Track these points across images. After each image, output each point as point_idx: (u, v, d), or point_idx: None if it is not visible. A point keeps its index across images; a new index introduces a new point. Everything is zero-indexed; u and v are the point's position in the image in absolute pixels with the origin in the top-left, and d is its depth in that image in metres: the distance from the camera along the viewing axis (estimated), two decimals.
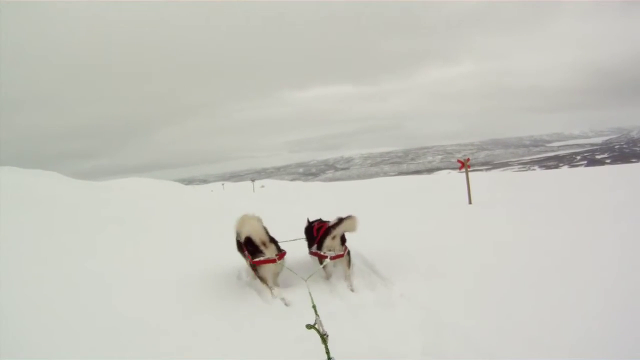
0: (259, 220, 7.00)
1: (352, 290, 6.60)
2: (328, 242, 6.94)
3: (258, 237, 6.75)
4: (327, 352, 4.08)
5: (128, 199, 15.15)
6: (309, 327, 4.38)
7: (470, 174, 16.17)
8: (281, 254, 6.88)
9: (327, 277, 7.15)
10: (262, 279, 6.70)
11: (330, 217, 7.49)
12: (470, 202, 15.73)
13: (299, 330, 4.67)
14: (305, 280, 6.34)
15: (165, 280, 7.18)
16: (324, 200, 26.50)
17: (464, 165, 16.46)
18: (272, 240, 7.07)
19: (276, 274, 6.88)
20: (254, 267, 6.74)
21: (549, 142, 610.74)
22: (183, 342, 5.06)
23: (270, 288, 6.60)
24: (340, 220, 6.98)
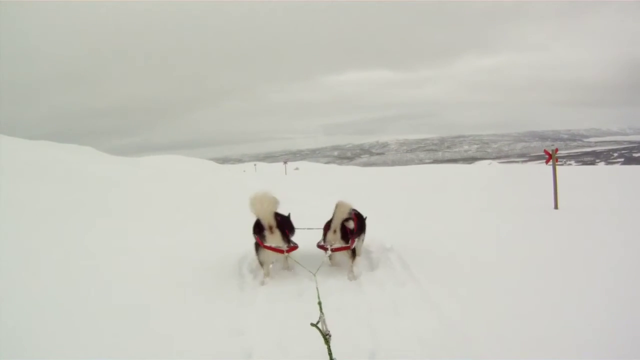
0: (272, 202, 6.71)
1: (350, 279, 6.59)
2: (329, 236, 6.89)
3: (266, 221, 6.61)
4: (330, 354, 3.90)
5: (136, 182, 14.26)
6: (312, 325, 4.19)
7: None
8: (292, 247, 6.81)
9: (333, 264, 7.21)
10: (260, 263, 6.70)
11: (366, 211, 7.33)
12: (556, 207, 12.66)
13: (303, 328, 4.45)
14: (314, 275, 6.15)
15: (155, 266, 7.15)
16: (365, 191, 19.97)
17: (551, 157, 13.37)
18: (287, 228, 7.14)
19: (281, 262, 7.03)
20: (256, 248, 6.70)
21: (586, 137, 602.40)
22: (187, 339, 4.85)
23: (265, 275, 6.60)
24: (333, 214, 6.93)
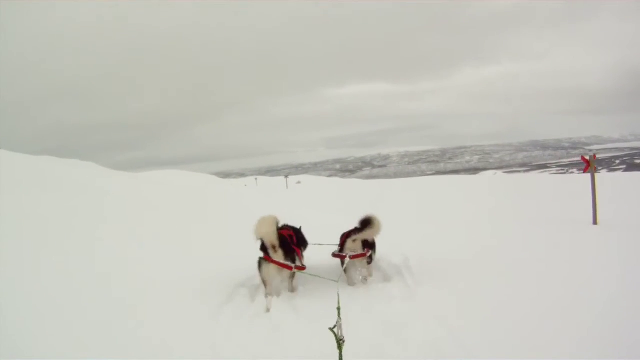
0: (273, 222, 6.65)
1: (363, 282, 6.95)
2: (349, 244, 6.90)
3: (268, 241, 6.51)
4: (341, 358, 3.95)
5: (132, 196, 13.65)
6: (329, 329, 4.18)
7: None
8: (300, 267, 6.73)
9: (350, 282, 7.03)
10: (263, 281, 6.58)
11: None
12: (595, 222, 10.86)
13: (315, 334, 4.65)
14: (337, 282, 6.04)
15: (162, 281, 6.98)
16: (375, 206, 17.87)
17: (589, 164, 11.45)
18: (299, 241, 7.25)
19: (281, 280, 6.76)
20: (259, 264, 6.56)
21: (588, 144, 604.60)
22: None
23: (266, 295, 6.48)
24: (363, 227, 6.90)
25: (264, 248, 6.62)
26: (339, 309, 4.77)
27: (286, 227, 7.29)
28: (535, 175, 59.31)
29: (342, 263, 6.85)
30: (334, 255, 7.09)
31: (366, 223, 6.89)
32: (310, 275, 6.67)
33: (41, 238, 7.45)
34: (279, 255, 6.49)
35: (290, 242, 6.92)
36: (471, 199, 21.22)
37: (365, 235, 6.86)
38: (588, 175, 11.20)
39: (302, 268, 6.74)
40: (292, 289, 6.84)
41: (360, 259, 6.84)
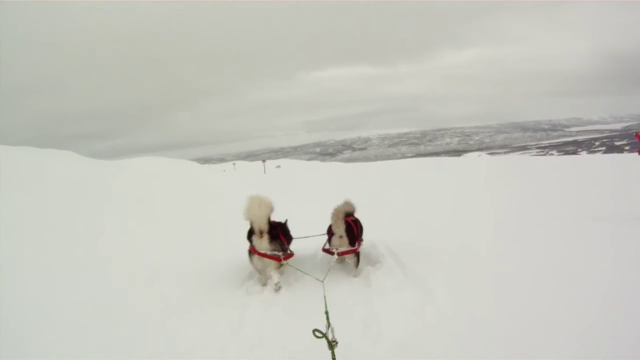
0: (267, 206, 6.25)
1: (355, 275, 6.55)
2: (335, 241, 6.69)
3: (257, 224, 6.19)
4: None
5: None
6: (318, 335, 3.93)
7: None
8: (288, 255, 6.51)
9: (340, 262, 6.90)
10: (257, 270, 6.37)
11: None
12: None
13: (305, 337, 4.24)
14: (322, 281, 5.76)
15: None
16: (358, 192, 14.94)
17: None
18: (284, 235, 6.77)
19: (273, 269, 6.29)
20: (250, 254, 6.32)
21: (568, 126, 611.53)
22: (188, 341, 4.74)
23: (260, 280, 6.31)
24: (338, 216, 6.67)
25: (250, 234, 6.36)
26: (327, 312, 4.49)
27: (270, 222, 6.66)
28: (517, 156, 59.16)
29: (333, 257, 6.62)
30: (324, 250, 6.95)
31: (337, 214, 6.67)
32: (298, 270, 6.37)
33: (17, 235, 7.25)
34: (264, 241, 6.19)
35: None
36: (465, 184, 18.89)
37: (338, 218, 6.61)
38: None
39: (290, 255, 6.55)
40: (277, 286, 6.17)
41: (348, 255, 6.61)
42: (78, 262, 6.62)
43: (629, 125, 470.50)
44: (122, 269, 6.66)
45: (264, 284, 6.21)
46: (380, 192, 18.09)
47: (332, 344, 3.88)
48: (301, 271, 6.32)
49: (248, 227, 6.46)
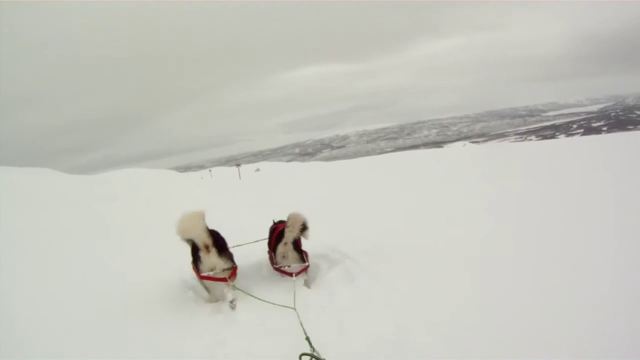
0: (200, 218, 5.64)
1: (308, 285, 6.05)
2: (281, 248, 6.29)
3: (199, 239, 5.59)
4: None
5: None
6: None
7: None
8: (232, 270, 5.83)
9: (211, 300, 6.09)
10: (206, 288, 5.84)
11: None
12: None
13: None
14: (294, 309, 5.10)
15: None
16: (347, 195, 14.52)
17: None
18: (220, 246, 5.89)
19: (225, 285, 5.67)
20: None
21: (545, 111, 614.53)
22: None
23: (210, 301, 5.74)
24: (287, 224, 6.30)
25: (194, 251, 5.74)
26: (307, 339, 4.35)
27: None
28: (496, 144, 59.03)
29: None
30: (275, 269, 6.45)
31: (287, 222, 6.32)
32: (264, 301, 5.46)
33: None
34: (212, 255, 5.64)
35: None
36: (463, 177, 17.26)
37: (292, 229, 6.21)
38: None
39: (235, 269, 5.87)
40: (232, 304, 5.48)
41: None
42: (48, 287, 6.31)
43: (605, 107, 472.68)
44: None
45: (215, 301, 5.75)
46: (362, 189, 17.23)
47: None
48: (268, 302, 5.39)
49: (189, 248, 5.86)
